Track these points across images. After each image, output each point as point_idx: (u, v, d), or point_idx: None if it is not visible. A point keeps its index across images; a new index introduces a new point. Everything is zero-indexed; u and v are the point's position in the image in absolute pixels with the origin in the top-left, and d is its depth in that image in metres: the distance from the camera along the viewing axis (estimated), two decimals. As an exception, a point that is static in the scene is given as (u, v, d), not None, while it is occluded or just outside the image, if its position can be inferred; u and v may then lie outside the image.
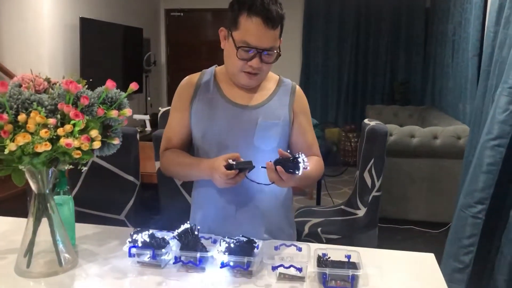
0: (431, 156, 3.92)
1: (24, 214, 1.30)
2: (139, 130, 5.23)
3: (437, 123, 4.47)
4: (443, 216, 3.79)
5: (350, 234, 2.57)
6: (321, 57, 6.87)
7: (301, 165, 1.26)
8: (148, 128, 5.09)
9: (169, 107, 2.88)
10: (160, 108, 3.04)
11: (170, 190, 2.32)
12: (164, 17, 7.25)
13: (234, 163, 1.31)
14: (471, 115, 3.70)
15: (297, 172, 1.27)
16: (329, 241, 2.51)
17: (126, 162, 2.34)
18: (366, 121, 2.71)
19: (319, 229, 2.57)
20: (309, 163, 1.29)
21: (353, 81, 6.87)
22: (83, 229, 1.53)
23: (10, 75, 4.48)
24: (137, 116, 5.10)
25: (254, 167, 1.33)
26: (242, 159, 1.34)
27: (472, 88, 3.97)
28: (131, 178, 2.36)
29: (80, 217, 1.50)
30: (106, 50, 5.45)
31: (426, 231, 3.79)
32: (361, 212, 2.59)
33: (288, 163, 1.27)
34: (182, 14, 7.19)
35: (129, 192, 2.37)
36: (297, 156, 1.27)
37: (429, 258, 1.37)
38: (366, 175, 2.53)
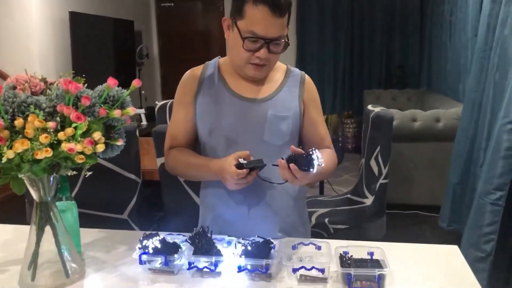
0: (434, 140, 3.86)
1: (22, 220, 1.22)
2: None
3: (438, 106, 4.41)
4: (448, 200, 3.75)
5: (358, 224, 2.52)
6: (316, 44, 6.74)
7: (315, 162, 1.17)
8: (144, 123, 4.99)
9: (165, 101, 2.82)
10: (156, 102, 2.95)
11: (173, 186, 2.25)
12: (154, 8, 7.11)
13: (244, 162, 1.24)
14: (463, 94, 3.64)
15: (311, 170, 1.18)
16: (337, 231, 2.46)
17: (126, 160, 2.27)
18: (369, 107, 2.64)
19: (326, 220, 2.52)
20: (323, 158, 1.21)
21: (349, 67, 6.75)
22: (88, 235, 1.46)
23: (3, 76, 4.37)
24: (133, 111, 5.01)
25: (265, 165, 1.26)
26: (252, 158, 1.27)
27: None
28: (132, 176, 2.30)
29: (82, 219, 1.43)
30: (97, 44, 5.34)
31: (431, 215, 3.74)
32: (369, 200, 2.54)
33: (301, 160, 1.18)
34: (172, 4, 7.04)
35: (131, 190, 2.31)
36: (310, 152, 1.19)
37: (453, 250, 1.32)
38: (373, 162, 2.47)
